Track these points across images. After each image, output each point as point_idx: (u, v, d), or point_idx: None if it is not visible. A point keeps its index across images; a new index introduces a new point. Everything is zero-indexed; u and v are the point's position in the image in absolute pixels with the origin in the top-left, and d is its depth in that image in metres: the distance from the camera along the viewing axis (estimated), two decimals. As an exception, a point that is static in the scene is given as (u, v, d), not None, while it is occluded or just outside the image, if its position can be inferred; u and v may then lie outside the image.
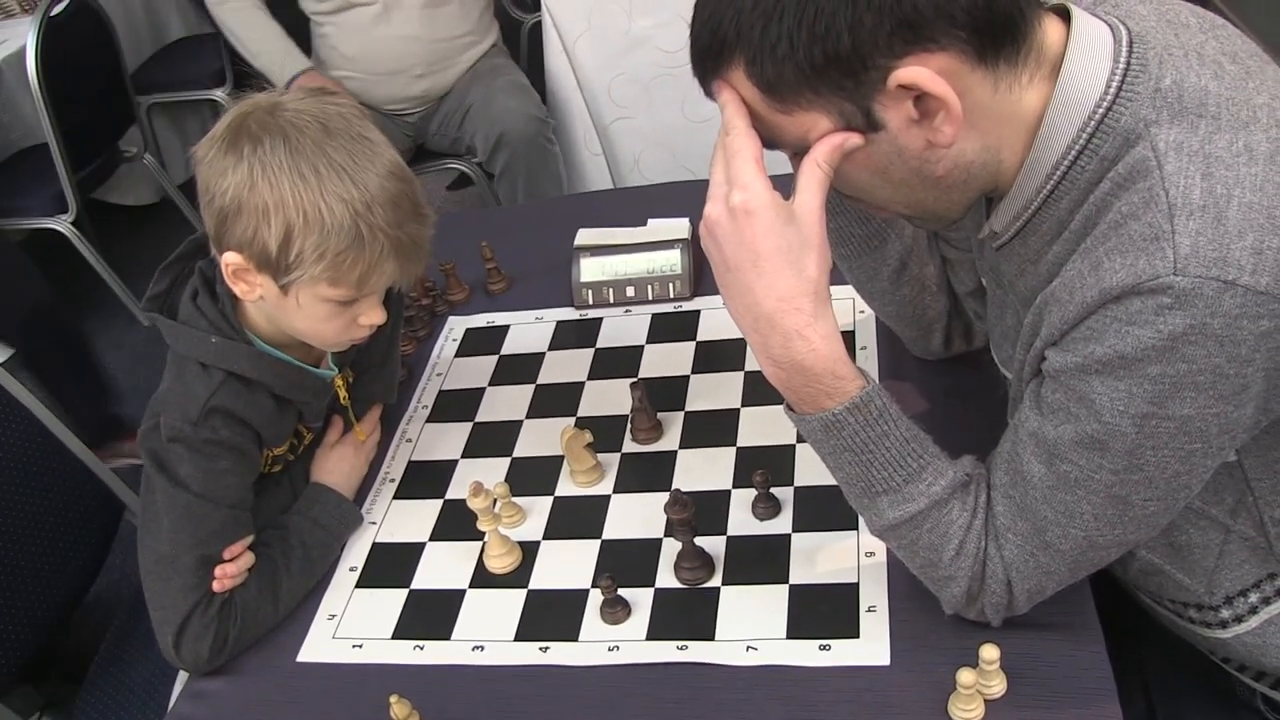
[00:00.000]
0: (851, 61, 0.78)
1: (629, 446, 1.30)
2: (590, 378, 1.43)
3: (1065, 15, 0.85)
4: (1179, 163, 0.77)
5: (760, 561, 1.11)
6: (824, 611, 1.05)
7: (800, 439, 1.23)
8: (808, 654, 1.01)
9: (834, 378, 0.89)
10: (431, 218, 1.15)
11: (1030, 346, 0.89)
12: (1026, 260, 0.92)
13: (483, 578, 1.18)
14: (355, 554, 1.25)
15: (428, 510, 1.29)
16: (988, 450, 0.96)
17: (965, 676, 0.90)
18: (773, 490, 1.16)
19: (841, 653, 1.01)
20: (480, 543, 1.20)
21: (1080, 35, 0.83)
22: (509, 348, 1.53)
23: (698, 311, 1.51)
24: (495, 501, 1.18)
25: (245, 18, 2.63)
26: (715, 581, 1.11)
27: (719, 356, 1.42)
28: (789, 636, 1.03)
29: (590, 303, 1.56)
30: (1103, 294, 0.78)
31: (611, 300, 1.56)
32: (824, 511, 1.14)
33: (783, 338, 0.87)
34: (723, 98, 0.86)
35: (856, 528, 1.11)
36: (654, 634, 1.07)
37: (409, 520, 1.28)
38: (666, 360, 1.43)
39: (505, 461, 1.33)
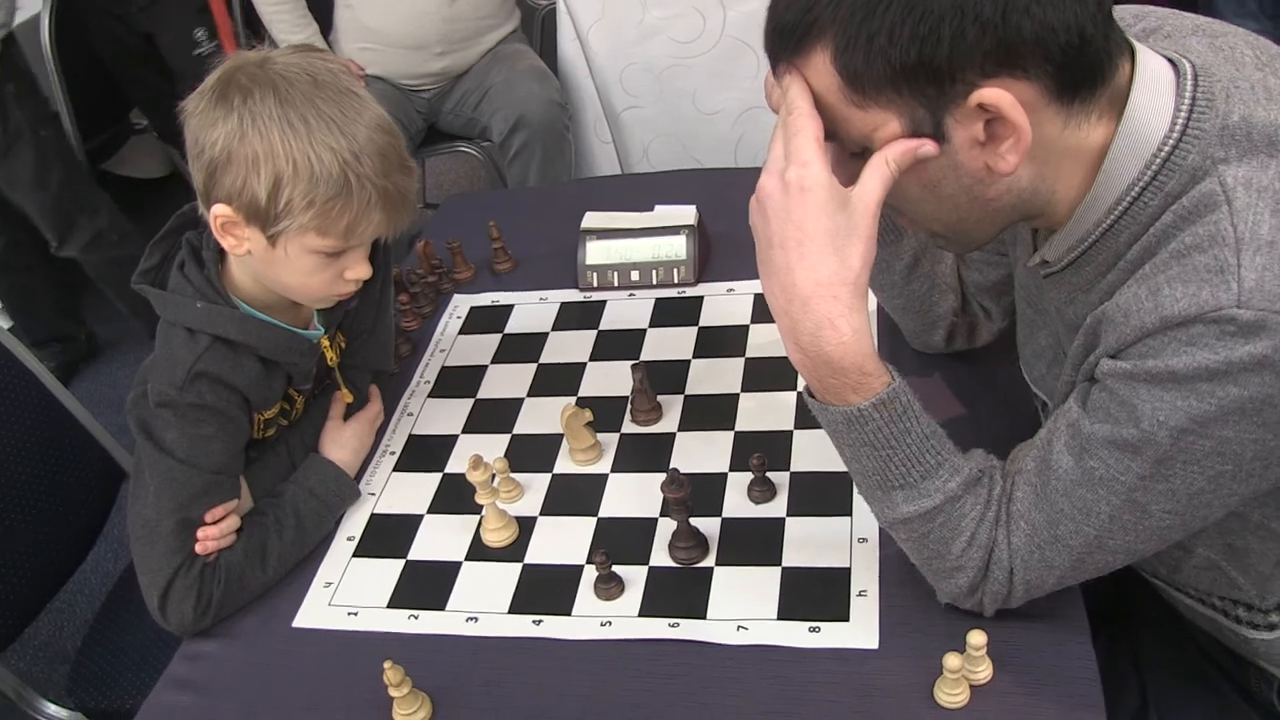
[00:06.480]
0: (942, 70, 0.78)
1: (628, 427, 1.31)
2: (592, 359, 1.44)
3: (1129, 50, 0.84)
4: (1248, 198, 0.77)
5: (754, 543, 1.12)
6: (815, 594, 1.06)
7: (799, 425, 1.25)
8: (797, 635, 1.02)
9: (860, 373, 0.88)
10: (416, 171, 1.17)
11: (1079, 366, 0.89)
12: (1078, 289, 0.92)
13: (479, 551, 1.19)
14: (353, 524, 1.26)
15: (427, 483, 1.30)
16: (988, 445, 0.96)
17: (951, 661, 0.91)
18: (769, 474, 1.17)
19: (831, 635, 1.02)
20: (478, 516, 1.21)
21: (1144, 71, 0.82)
22: (513, 327, 1.54)
23: (701, 298, 1.52)
24: (494, 476, 1.19)
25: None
26: (709, 561, 1.12)
27: (720, 343, 1.42)
28: (780, 618, 1.04)
29: (595, 285, 1.57)
30: (1163, 321, 0.77)
31: (616, 283, 1.57)
32: (819, 496, 1.15)
33: (814, 324, 0.86)
34: (786, 80, 0.85)
35: (850, 513, 1.12)
36: (646, 611, 1.08)
37: (408, 492, 1.29)
38: (668, 344, 1.44)
39: (505, 438, 1.34)
